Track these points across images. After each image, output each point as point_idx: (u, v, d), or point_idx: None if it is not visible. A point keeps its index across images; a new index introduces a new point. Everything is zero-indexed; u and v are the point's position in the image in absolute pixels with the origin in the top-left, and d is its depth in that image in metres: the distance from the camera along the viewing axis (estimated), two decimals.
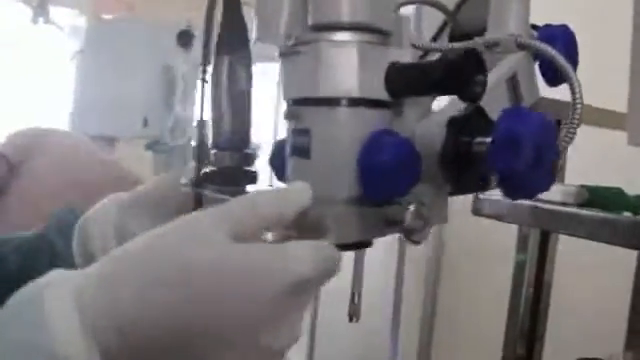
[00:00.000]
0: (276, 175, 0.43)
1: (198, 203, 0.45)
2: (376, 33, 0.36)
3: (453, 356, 1.70)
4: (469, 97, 0.34)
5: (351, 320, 0.44)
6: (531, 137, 0.33)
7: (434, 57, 0.43)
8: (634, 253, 0.87)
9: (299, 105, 0.37)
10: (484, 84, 0.34)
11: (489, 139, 0.35)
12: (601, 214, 0.63)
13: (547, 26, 0.47)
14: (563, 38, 0.46)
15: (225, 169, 0.44)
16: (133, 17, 2.03)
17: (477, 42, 0.43)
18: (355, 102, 0.36)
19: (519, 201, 0.72)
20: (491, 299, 1.26)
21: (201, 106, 0.42)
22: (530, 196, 0.36)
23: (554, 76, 0.43)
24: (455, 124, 0.36)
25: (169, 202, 0.48)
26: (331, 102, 0.36)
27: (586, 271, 1.20)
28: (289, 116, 0.38)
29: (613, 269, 1.03)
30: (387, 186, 0.34)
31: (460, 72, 0.33)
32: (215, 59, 0.46)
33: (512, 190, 0.35)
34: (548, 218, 0.70)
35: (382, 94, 0.36)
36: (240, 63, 0.46)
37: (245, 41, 0.46)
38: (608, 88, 0.82)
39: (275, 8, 0.39)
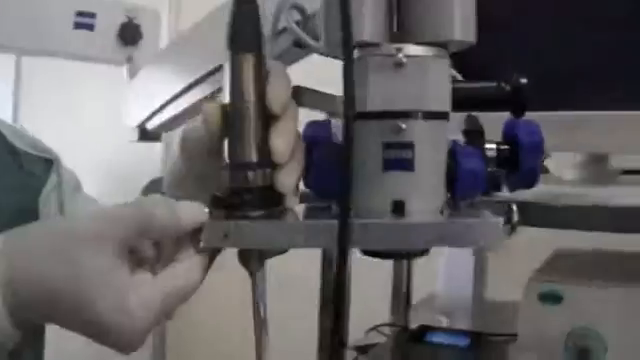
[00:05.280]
0: (322, 193, 0.40)
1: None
2: None
3: None
4: (520, 114, 0.42)
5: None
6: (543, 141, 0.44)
7: None
8: None
9: (401, 118, 0.37)
10: None
11: (493, 145, 0.44)
12: None
13: None
14: None
15: (257, 189, 0.38)
16: None
17: None
18: (447, 115, 0.39)
19: None
20: None
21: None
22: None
23: None
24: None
25: None
26: (438, 115, 0.38)
27: None
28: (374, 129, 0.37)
29: None
30: (482, 187, 0.40)
31: (524, 96, 0.41)
32: (231, 56, 0.38)
33: (531, 183, 0.45)
34: None
35: None
36: (262, 64, 0.39)
37: (262, 36, 0.40)
38: None
39: (357, 17, 0.36)
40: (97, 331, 0.35)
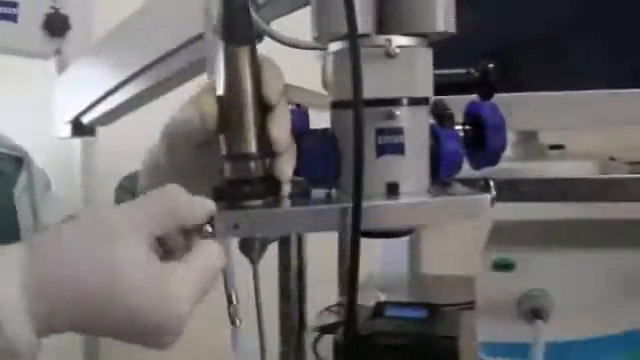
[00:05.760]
0: (314, 180, 0.41)
1: None
2: None
3: None
4: (488, 97, 0.46)
5: (234, 324, 0.43)
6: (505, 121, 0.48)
7: None
8: None
9: (391, 105, 0.39)
10: None
11: (459, 127, 0.47)
12: None
13: None
14: None
15: (258, 179, 0.39)
16: None
17: None
18: (429, 101, 0.42)
19: None
20: None
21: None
22: None
23: None
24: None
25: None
26: (422, 101, 0.40)
27: None
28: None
29: None
30: (460, 167, 0.43)
31: (491, 80, 0.45)
32: (228, 49, 0.39)
33: (495, 161, 0.48)
34: None
35: None
36: (256, 55, 0.40)
37: (252, 26, 0.40)
38: None
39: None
40: (139, 324, 0.34)
